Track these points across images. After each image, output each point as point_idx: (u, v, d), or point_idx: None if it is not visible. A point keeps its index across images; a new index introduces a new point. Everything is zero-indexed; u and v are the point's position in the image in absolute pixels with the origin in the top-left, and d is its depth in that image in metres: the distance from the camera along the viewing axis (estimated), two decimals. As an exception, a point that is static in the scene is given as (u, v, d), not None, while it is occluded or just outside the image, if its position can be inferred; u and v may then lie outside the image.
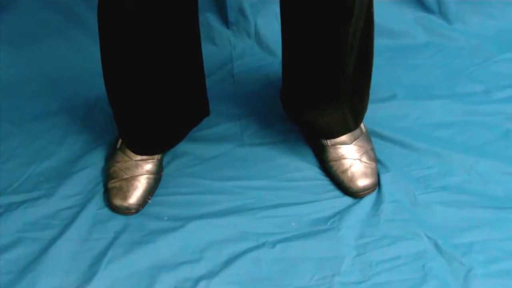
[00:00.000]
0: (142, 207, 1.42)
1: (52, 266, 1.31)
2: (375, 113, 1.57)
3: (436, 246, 1.32)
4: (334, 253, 1.32)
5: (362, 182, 1.42)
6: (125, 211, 1.40)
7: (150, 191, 1.43)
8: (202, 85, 1.46)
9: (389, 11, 1.86)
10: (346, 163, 1.44)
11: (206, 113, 1.52)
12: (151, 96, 1.34)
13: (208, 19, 1.83)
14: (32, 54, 1.79)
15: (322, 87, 1.37)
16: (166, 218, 1.40)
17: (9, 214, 1.40)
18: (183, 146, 1.53)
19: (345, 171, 1.43)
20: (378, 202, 1.41)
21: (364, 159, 1.45)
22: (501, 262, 1.29)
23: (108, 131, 1.55)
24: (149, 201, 1.43)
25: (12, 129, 1.61)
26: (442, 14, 1.87)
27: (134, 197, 1.41)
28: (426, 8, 1.88)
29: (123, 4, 1.19)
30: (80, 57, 1.78)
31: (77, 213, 1.40)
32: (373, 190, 1.43)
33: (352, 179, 1.42)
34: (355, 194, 1.42)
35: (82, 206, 1.41)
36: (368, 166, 1.44)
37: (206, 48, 1.77)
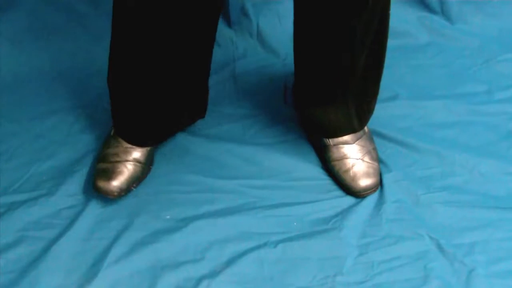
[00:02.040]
0: (125, 193, 1.42)
1: (54, 265, 1.31)
2: (377, 113, 1.57)
3: (438, 246, 1.32)
4: (336, 253, 1.32)
5: (364, 181, 1.42)
6: (107, 193, 1.40)
7: (135, 179, 1.44)
8: (204, 88, 1.47)
9: (391, 11, 1.85)
10: (349, 162, 1.44)
11: (202, 115, 1.52)
12: (151, 91, 1.34)
13: (211, 19, 1.83)
14: (34, 53, 1.79)
15: (329, 85, 1.37)
16: (168, 217, 1.40)
17: (11, 213, 1.40)
18: (185, 145, 1.53)
19: (347, 171, 1.43)
20: (380, 202, 1.41)
21: (367, 159, 1.45)
22: (503, 262, 1.29)
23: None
24: (133, 188, 1.43)
25: (14, 128, 1.61)
26: (445, 14, 1.87)
27: (117, 181, 1.41)
28: (428, 8, 1.88)
29: (143, 2, 1.19)
30: (82, 56, 1.78)
31: (79, 212, 1.40)
32: (375, 190, 1.43)
33: (354, 178, 1.42)
34: (357, 194, 1.42)
35: (84, 205, 1.41)
36: (370, 166, 1.44)
37: (208, 48, 1.77)
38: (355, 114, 1.42)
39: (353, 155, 1.45)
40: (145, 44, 1.25)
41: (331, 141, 1.46)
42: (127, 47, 1.29)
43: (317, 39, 1.30)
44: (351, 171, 1.43)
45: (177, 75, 1.34)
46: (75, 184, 1.46)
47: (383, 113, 1.60)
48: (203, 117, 1.53)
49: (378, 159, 1.47)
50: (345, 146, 1.46)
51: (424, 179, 1.46)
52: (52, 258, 1.32)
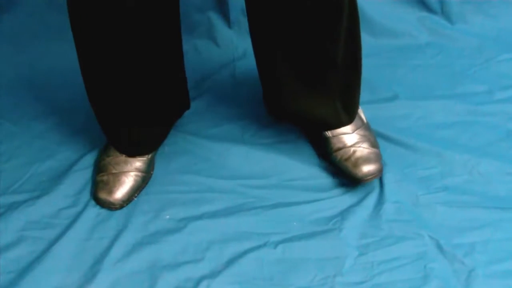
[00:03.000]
0: (127, 204, 1.42)
1: (54, 265, 1.31)
2: (376, 113, 1.57)
3: (438, 246, 1.32)
4: (336, 253, 1.32)
5: (367, 167, 1.42)
6: (109, 206, 1.41)
7: (137, 189, 1.44)
8: (182, 79, 1.46)
9: (391, 11, 1.86)
10: (349, 150, 1.44)
11: (187, 106, 1.52)
12: (129, 96, 1.34)
13: (210, 19, 1.83)
14: (34, 54, 1.79)
15: (308, 80, 1.36)
16: (168, 217, 1.40)
17: (10, 213, 1.40)
18: (184, 145, 1.53)
19: (348, 158, 1.43)
20: (380, 202, 1.41)
21: (366, 145, 1.45)
22: (503, 262, 1.29)
23: (110, 130, 1.55)
24: (135, 198, 1.43)
25: (14, 129, 1.61)
26: (444, 14, 1.87)
27: (119, 193, 1.41)
28: (428, 8, 1.88)
29: (107, 2, 1.19)
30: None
31: (78, 212, 1.40)
32: (377, 176, 1.43)
33: (356, 164, 1.42)
34: (361, 180, 1.42)
35: (84, 205, 1.42)
36: (371, 152, 1.44)
37: (208, 48, 1.78)
38: (342, 107, 1.42)
39: (353, 143, 1.45)
40: (114, 49, 1.25)
41: (331, 133, 1.46)
42: (97, 60, 1.28)
43: (285, 37, 1.30)
44: (352, 158, 1.43)
45: (149, 68, 1.32)
46: (74, 184, 1.47)
47: (382, 113, 1.60)
48: (188, 108, 1.52)
49: (378, 146, 1.48)
50: (345, 136, 1.46)
51: (424, 179, 1.46)
52: (52, 258, 1.32)
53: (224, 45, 1.84)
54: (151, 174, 1.48)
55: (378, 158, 1.44)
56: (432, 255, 1.31)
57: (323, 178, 1.48)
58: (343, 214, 1.39)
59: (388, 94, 1.67)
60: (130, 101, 1.35)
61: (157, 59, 1.32)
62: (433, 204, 1.40)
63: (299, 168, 1.50)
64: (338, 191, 1.45)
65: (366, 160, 1.43)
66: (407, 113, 1.62)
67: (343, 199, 1.43)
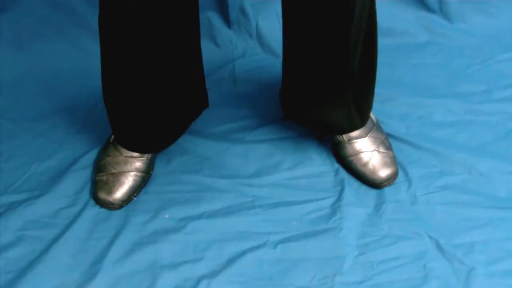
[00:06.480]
0: (126, 203, 1.42)
1: (53, 265, 1.31)
2: (376, 112, 1.57)
3: (438, 246, 1.32)
4: (336, 252, 1.32)
5: (385, 172, 1.43)
6: (109, 206, 1.41)
7: (136, 189, 1.44)
8: (201, 78, 1.46)
9: (390, 11, 1.86)
10: (365, 156, 1.45)
11: (205, 104, 1.52)
12: (149, 91, 1.34)
13: (210, 19, 1.83)
14: (34, 53, 1.79)
15: (326, 87, 1.37)
16: (167, 216, 1.40)
17: (10, 213, 1.40)
18: (184, 145, 1.53)
19: (365, 165, 1.44)
20: (379, 201, 1.41)
21: (382, 149, 1.46)
22: (503, 262, 1.29)
23: (109, 130, 1.55)
24: (134, 198, 1.43)
25: (13, 128, 1.61)
26: (443, 13, 1.88)
27: (119, 193, 1.41)
28: (427, 8, 1.88)
29: (124, 2, 1.19)
30: (81, 56, 1.79)
31: (78, 212, 1.40)
32: (395, 178, 1.44)
33: (374, 171, 1.43)
34: (380, 185, 1.43)
35: (83, 205, 1.42)
36: (386, 156, 1.45)
37: (208, 48, 1.78)
38: (356, 112, 1.43)
39: (368, 148, 1.46)
40: (136, 40, 1.25)
41: (344, 137, 1.47)
42: (118, 55, 1.28)
43: (310, 47, 1.31)
44: (369, 164, 1.44)
45: (170, 67, 1.33)
46: (74, 183, 1.46)
47: (382, 112, 1.60)
48: (207, 106, 1.52)
49: (391, 147, 1.48)
50: (359, 140, 1.46)
51: (423, 178, 1.46)
52: (52, 257, 1.32)
53: (224, 44, 1.84)
54: (151, 174, 1.48)
55: (393, 160, 1.46)
56: (431, 255, 1.31)
57: (322, 177, 1.48)
58: (343, 213, 1.39)
59: (387, 94, 1.66)
60: (148, 98, 1.35)
61: (175, 57, 1.32)
62: (432, 203, 1.41)
63: (299, 167, 1.50)
64: (337, 190, 1.45)
65: (383, 165, 1.44)
66: (406, 112, 1.62)
67: (342, 198, 1.43)
